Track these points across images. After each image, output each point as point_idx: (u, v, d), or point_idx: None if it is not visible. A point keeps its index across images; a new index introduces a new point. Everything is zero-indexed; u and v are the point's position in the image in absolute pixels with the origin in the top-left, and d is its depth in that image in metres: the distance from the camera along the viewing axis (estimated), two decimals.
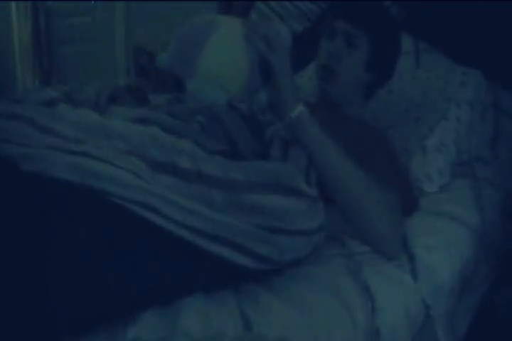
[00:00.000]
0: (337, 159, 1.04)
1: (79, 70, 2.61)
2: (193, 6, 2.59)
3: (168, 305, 0.83)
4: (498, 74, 1.63)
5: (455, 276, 1.14)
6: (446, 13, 1.74)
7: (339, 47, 1.25)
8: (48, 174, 0.81)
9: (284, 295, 0.89)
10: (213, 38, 0.97)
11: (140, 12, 2.81)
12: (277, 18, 2.04)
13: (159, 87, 1.62)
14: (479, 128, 1.62)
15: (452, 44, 1.72)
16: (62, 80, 2.52)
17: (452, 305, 1.15)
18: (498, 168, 1.61)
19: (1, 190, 0.79)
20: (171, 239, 0.83)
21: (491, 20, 1.68)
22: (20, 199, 0.79)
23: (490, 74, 1.59)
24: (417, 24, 1.74)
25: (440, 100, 1.52)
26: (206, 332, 0.79)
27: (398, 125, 1.50)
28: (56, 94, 1.22)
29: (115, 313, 0.80)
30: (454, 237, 1.21)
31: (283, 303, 0.87)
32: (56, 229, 0.77)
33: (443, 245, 1.16)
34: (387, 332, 0.94)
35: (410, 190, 1.22)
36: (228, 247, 0.85)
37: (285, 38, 1.03)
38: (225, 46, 0.98)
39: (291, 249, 0.90)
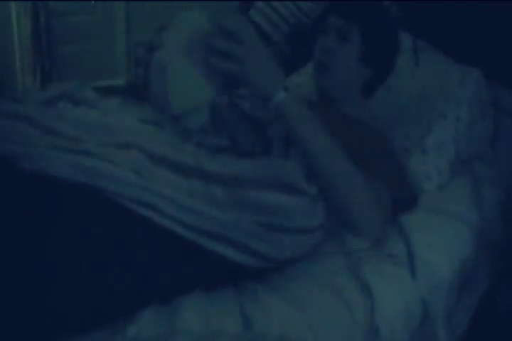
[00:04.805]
0: (324, 143, 1.01)
1: (79, 70, 2.61)
2: (193, 6, 2.59)
3: (168, 303, 0.83)
4: (497, 73, 1.62)
5: (454, 274, 1.14)
6: (445, 12, 1.74)
7: (332, 42, 1.25)
8: (49, 173, 0.82)
9: (284, 293, 0.89)
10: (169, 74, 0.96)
11: (140, 12, 2.82)
12: (278, 17, 2.04)
13: None
14: (479, 127, 1.61)
15: (451, 42, 1.72)
16: (62, 80, 2.52)
17: (451, 302, 1.15)
18: (498, 166, 1.61)
19: (1, 190, 0.80)
20: (171, 237, 0.83)
21: (491, 18, 1.68)
22: (21, 198, 0.79)
23: (489, 72, 1.59)
24: (416, 23, 1.75)
25: (439, 99, 1.51)
26: (206, 330, 0.79)
27: (397, 124, 1.49)
28: (56, 94, 1.22)
29: (115, 311, 0.80)
30: (453, 235, 1.21)
31: (282, 301, 0.88)
32: (56, 227, 0.78)
33: (442, 243, 1.16)
34: (386, 330, 0.94)
35: (408, 187, 1.23)
36: (228, 245, 0.86)
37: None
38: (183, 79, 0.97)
39: (291, 247, 0.90)
